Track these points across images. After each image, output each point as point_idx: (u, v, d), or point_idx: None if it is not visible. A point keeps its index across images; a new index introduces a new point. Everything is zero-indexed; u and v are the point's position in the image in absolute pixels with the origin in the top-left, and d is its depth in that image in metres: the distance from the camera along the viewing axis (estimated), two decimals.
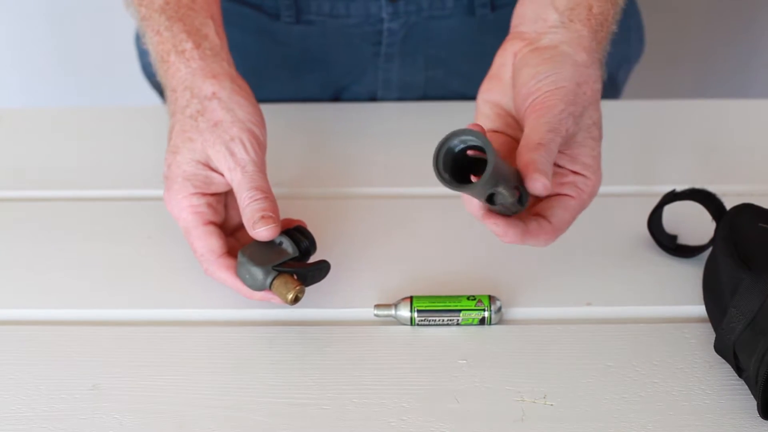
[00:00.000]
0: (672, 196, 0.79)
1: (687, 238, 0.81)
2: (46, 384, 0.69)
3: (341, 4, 0.98)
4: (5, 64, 1.73)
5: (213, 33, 0.78)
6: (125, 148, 0.96)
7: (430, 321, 0.73)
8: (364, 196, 0.89)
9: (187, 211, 0.74)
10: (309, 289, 0.74)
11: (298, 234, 0.74)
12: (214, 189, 0.75)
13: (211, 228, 0.74)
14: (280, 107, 1.00)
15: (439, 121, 0.98)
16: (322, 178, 0.91)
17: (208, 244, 0.73)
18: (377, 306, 0.74)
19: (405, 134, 0.97)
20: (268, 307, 0.75)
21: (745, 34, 1.80)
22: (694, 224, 0.80)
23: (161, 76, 0.78)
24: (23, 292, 0.78)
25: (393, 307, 0.74)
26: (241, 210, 0.73)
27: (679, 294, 0.76)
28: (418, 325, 0.73)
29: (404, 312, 0.73)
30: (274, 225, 0.72)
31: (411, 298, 0.74)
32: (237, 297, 0.75)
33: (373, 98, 1.06)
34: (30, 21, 1.67)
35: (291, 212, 0.78)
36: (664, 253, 0.80)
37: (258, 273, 0.71)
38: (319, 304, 0.76)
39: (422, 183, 0.90)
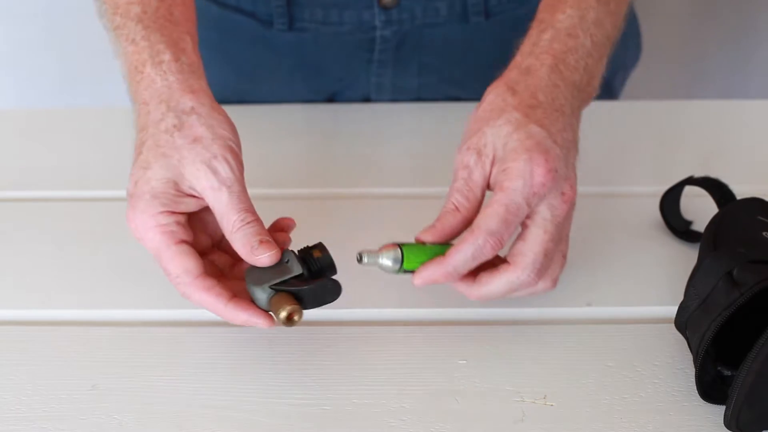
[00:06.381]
0: (688, 181, 0.79)
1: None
2: (45, 384, 0.69)
3: (334, 11, 0.97)
4: (1, 65, 1.72)
5: (191, 49, 0.74)
6: (125, 148, 0.95)
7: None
8: (363, 196, 0.89)
9: (154, 231, 0.67)
10: None
11: (309, 252, 0.70)
12: (183, 208, 0.69)
13: (184, 247, 0.68)
14: (275, 108, 1.00)
15: (436, 121, 0.98)
16: (319, 178, 0.91)
17: (183, 264, 0.67)
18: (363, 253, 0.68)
19: (402, 135, 0.97)
20: None
21: (744, 34, 1.80)
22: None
23: (131, 89, 0.73)
24: (23, 292, 0.78)
25: (378, 255, 0.68)
26: (229, 232, 0.68)
27: (680, 294, 0.76)
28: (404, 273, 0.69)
29: (388, 261, 0.68)
30: (276, 251, 0.67)
31: (399, 245, 0.68)
32: None
33: (366, 101, 1.06)
34: (26, 21, 1.66)
35: (287, 213, 0.78)
36: (664, 253, 0.80)
37: (256, 292, 0.68)
38: None
39: (421, 183, 0.90)
